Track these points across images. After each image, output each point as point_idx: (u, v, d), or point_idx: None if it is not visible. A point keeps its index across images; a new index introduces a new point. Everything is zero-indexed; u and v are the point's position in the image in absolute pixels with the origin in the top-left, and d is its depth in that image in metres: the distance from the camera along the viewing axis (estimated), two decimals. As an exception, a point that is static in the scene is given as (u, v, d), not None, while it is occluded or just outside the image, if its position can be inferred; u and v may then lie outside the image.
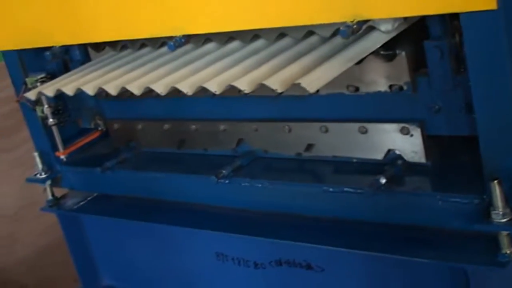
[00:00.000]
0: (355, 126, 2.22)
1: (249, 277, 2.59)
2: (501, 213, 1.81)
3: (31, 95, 2.62)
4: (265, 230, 2.41)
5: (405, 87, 2.08)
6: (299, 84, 1.84)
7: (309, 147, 2.36)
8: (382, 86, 2.13)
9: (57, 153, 2.90)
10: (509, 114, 1.78)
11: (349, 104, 2.23)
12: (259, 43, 2.35)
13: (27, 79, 2.85)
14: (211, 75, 2.17)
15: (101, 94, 2.46)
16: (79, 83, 2.47)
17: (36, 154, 2.96)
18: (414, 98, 2.08)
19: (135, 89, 2.24)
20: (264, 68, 2.07)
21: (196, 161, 2.66)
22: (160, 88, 2.18)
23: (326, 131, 2.29)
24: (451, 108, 2.03)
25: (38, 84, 2.79)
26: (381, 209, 2.11)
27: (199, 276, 2.78)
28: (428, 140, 2.12)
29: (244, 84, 1.97)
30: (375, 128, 2.19)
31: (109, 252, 3.08)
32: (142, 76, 2.35)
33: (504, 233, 1.85)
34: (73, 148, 2.94)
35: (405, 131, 2.12)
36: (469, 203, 1.92)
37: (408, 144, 2.13)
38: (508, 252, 1.86)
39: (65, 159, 2.92)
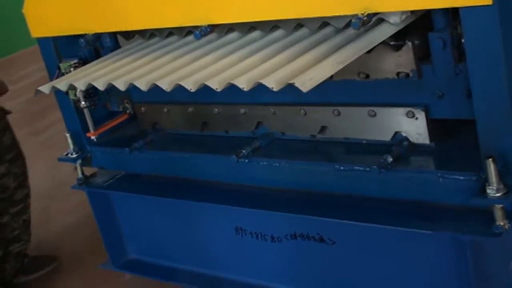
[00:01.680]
0: (365, 110, 2.38)
1: (266, 250, 2.75)
2: (495, 188, 1.98)
3: (62, 86, 2.70)
4: (281, 206, 2.57)
5: (411, 74, 2.24)
6: (293, 83, 1.96)
7: (323, 129, 2.52)
8: (390, 73, 2.28)
9: (88, 134, 3.05)
10: (502, 99, 1.94)
11: (359, 90, 2.38)
12: (278, 33, 2.51)
13: (60, 64, 3.01)
14: (221, 69, 2.29)
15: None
16: (110, 77, 2.56)
17: (68, 135, 3.12)
18: (419, 85, 2.24)
19: (165, 84, 2.34)
20: (274, 60, 2.20)
21: (218, 142, 2.81)
22: (190, 85, 2.27)
23: (339, 114, 2.45)
24: (453, 93, 2.18)
25: (72, 69, 2.96)
26: (388, 185, 2.27)
27: (219, 250, 2.94)
28: (432, 123, 2.27)
29: (243, 83, 2.09)
30: (383, 111, 2.34)
31: (135, 228, 3.24)
32: (170, 72, 2.44)
33: (498, 206, 2.01)
34: (103, 129, 3.09)
35: (410, 115, 2.28)
36: (467, 179, 2.09)
37: (413, 126, 2.29)
38: (501, 223, 2.03)
39: (95, 140, 3.08)
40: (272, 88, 2.00)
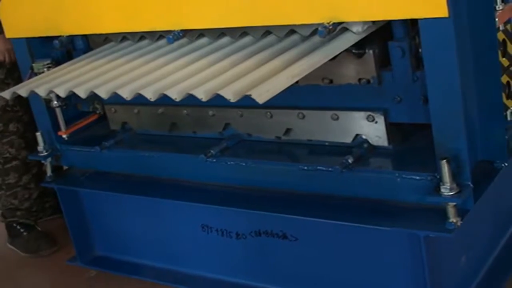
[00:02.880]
0: (328, 113, 2.51)
1: (231, 247, 2.86)
2: (448, 187, 2.14)
3: (23, 92, 2.69)
4: (246, 203, 2.69)
5: (372, 81, 2.38)
6: (250, 95, 2.03)
7: (288, 131, 2.65)
8: (352, 79, 2.42)
9: (59, 133, 3.13)
10: (456, 104, 2.10)
11: (323, 94, 2.51)
12: (246, 39, 2.60)
13: (33, 65, 3.09)
14: (182, 78, 2.34)
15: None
16: (72, 84, 2.57)
17: (39, 133, 3.19)
18: (379, 90, 2.38)
19: (126, 93, 2.35)
20: (236, 69, 2.27)
21: (186, 143, 2.91)
22: (149, 94, 2.28)
23: (303, 117, 2.58)
24: (411, 99, 2.32)
25: (45, 69, 3.04)
26: (348, 185, 2.40)
27: (186, 247, 3.04)
28: (391, 127, 2.42)
29: (201, 93, 2.14)
30: (345, 115, 2.48)
31: (103, 225, 3.32)
32: (132, 80, 2.46)
33: (451, 204, 2.16)
34: (73, 128, 3.16)
35: (370, 119, 2.42)
36: (422, 179, 2.24)
37: (373, 129, 2.43)
38: (454, 220, 2.18)
39: (66, 139, 3.15)
40: (230, 99, 2.07)
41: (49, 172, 3.29)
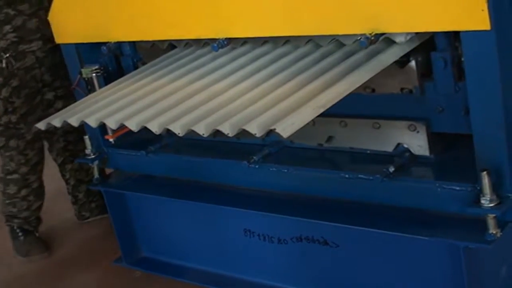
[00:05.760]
0: (370, 122, 2.53)
1: (273, 252, 2.89)
2: (488, 199, 2.14)
3: (56, 122, 2.75)
4: (288, 209, 2.72)
5: (414, 90, 2.39)
6: (274, 129, 2.06)
7: (330, 138, 2.67)
8: (394, 88, 2.44)
9: (106, 136, 3.19)
10: (498, 116, 2.10)
11: (365, 103, 2.54)
12: (286, 47, 2.65)
13: (82, 70, 3.17)
14: (210, 111, 2.36)
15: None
16: (103, 115, 2.63)
17: (86, 137, 3.28)
18: (421, 100, 2.39)
19: (155, 127, 2.40)
20: (270, 97, 2.30)
21: (229, 148, 2.95)
22: (177, 129, 2.34)
23: (345, 125, 2.61)
24: (452, 109, 2.33)
25: (93, 74, 3.12)
26: (389, 193, 2.42)
27: (228, 250, 3.08)
28: (432, 136, 2.42)
29: (227, 128, 2.19)
30: (387, 124, 2.50)
31: (148, 227, 3.38)
32: (163, 111, 2.49)
33: (491, 215, 2.16)
34: (120, 132, 3.18)
35: (412, 128, 2.43)
36: (463, 190, 2.24)
37: (415, 139, 2.44)
38: (494, 232, 2.18)
39: (113, 142, 3.22)
40: (255, 134, 2.11)
41: (96, 174, 3.37)
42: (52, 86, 3.77)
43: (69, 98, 3.64)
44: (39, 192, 3.96)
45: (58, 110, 3.56)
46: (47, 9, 3.39)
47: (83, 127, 3.58)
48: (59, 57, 3.49)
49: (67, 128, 3.67)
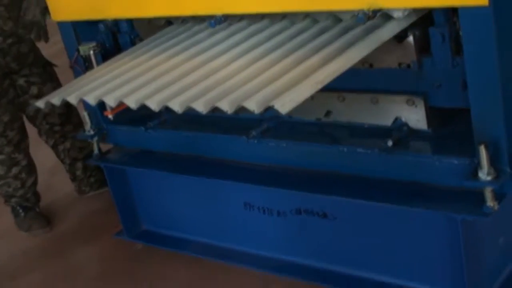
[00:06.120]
0: (368, 96, 2.55)
1: (272, 224, 2.94)
2: (486, 172, 2.16)
3: (56, 100, 2.76)
4: (287, 183, 2.75)
5: (412, 65, 2.40)
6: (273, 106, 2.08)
7: (328, 113, 2.69)
8: (392, 63, 2.45)
9: (105, 113, 3.20)
10: (495, 90, 2.12)
11: (363, 78, 2.55)
12: (286, 23, 2.66)
13: (80, 47, 3.17)
14: (209, 87, 2.36)
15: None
16: (101, 92, 2.65)
17: (85, 113, 3.29)
18: (419, 75, 2.41)
19: (154, 104, 2.41)
20: (269, 72, 2.30)
21: (228, 123, 2.95)
22: (176, 106, 2.34)
23: (343, 100, 2.63)
24: (450, 84, 2.35)
25: (91, 51, 3.13)
26: (387, 167, 2.44)
27: (228, 223, 3.13)
28: (430, 111, 2.45)
29: (226, 105, 2.19)
30: (385, 98, 2.52)
31: (148, 201, 3.42)
32: (162, 88, 2.50)
33: (489, 188, 2.19)
34: (119, 109, 3.17)
35: (410, 102, 2.45)
36: (461, 163, 2.27)
37: (413, 113, 2.47)
38: (491, 204, 2.21)
39: (112, 118, 3.22)
40: (254, 111, 2.12)
41: (96, 150, 3.40)
42: (20, 73, 3.84)
43: (45, 83, 3.86)
44: (30, 168, 4.01)
45: (35, 95, 3.81)
46: (6, 6, 3.52)
47: (63, 109, 3.75)
48: (25, 47, 3.73)
49: (45, 111, 3.77)
